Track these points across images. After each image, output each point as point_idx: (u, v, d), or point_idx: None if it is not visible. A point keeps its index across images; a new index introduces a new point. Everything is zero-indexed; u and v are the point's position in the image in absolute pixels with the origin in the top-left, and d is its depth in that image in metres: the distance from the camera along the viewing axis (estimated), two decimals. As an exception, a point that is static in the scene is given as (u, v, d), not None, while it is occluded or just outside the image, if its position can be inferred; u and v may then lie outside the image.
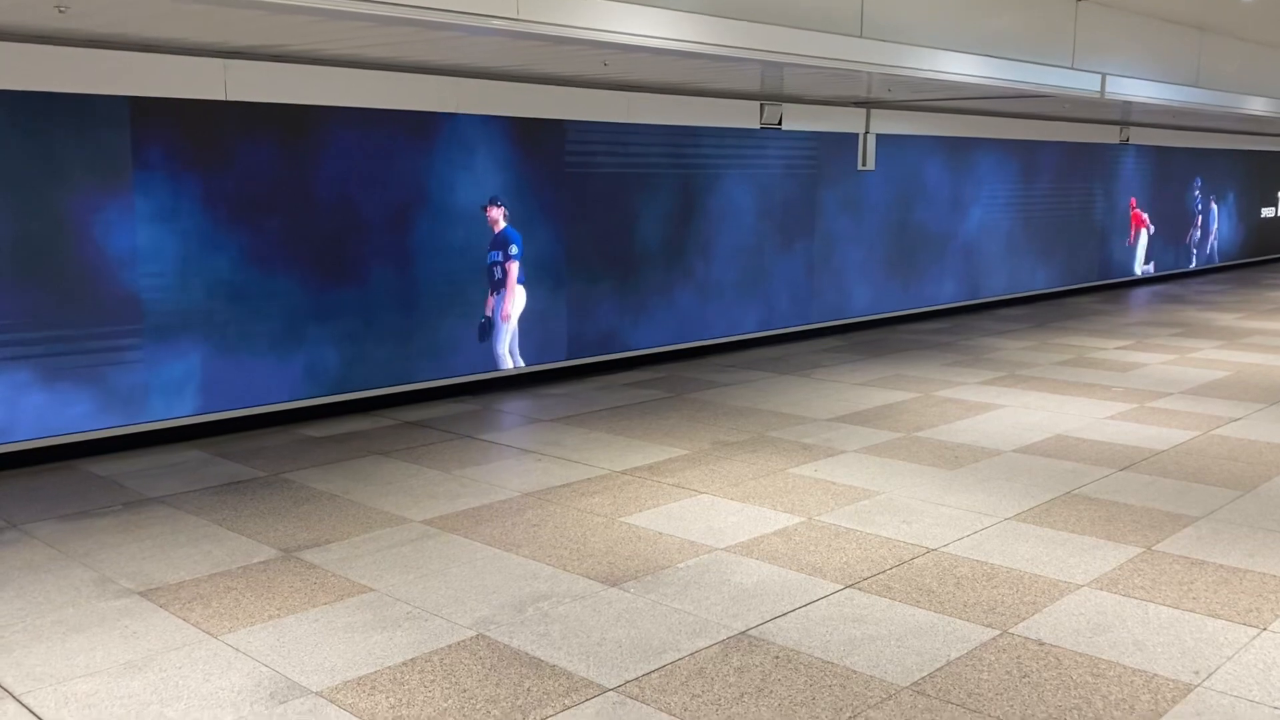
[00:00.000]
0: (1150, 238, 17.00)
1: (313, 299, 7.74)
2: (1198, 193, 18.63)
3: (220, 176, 7.21)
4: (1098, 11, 10.59)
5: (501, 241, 8.73)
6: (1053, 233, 15.24)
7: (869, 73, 8.18)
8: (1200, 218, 18.81)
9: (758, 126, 10.75)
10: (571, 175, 9.24)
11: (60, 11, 5.46)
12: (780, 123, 10.90)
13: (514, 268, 8.84)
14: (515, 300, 8.94)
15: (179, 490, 6.24)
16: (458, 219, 8.50)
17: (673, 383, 9.35)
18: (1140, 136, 16.70)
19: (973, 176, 13.55)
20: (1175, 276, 18.00)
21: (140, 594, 4.68)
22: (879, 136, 11.87)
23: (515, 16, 5.71)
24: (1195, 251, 18.83)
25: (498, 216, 8.59)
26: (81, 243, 6.68)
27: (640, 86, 9.51)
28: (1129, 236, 16.41)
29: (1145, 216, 16.43)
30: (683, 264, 10.27)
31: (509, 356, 8.98)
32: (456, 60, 7.60)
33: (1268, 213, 21.30)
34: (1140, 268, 16.59)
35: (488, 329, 8.78)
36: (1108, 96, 10.55)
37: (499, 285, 8.79)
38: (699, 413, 8.18)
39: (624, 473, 6.55)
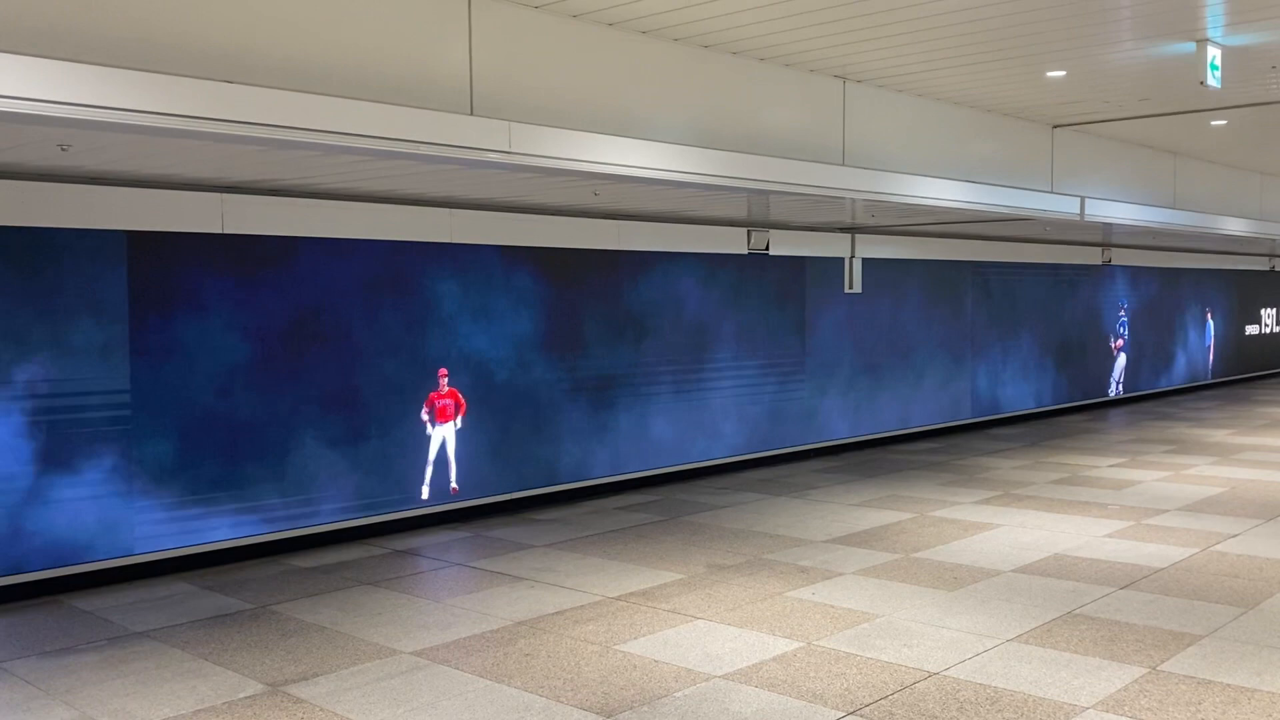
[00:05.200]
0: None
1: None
2: (1122, 313, 16.83)
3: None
4: (1075, 137, 10.93)
5: None
6: (1042, 352, 15.38)
7: (852, 199, 8.39)
8: (1121, 340, 16.82)
9: (745, 252, 10.94)
10: (565, 300, 9.36)
11: (63, 150, 5.61)
12: (768, 248, 11.10)
13: None
14: None
15: (164, 624, 6.11)
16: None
17: (666, 506, 9.28)
18: (1123, 258, 17.01)
19: (959, 298, 13.74)
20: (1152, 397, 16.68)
21: (121, 733, 4.55)
22: (865, 260, 12.08)
23: (508, 149, 5.87)
24: (1115, 381, 16.84)
25: None
26: None
27: (630, 215, 9.71)
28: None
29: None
30: (677, 387, 10.32)
31: None
32: (451, 191, 7.77)
33: (1252, 330, 21.57)
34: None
35: None
36: (1087, 218, 10.81)
37: None
38: (694, 535, 8.10)
39: (618, 599, 6.45)
